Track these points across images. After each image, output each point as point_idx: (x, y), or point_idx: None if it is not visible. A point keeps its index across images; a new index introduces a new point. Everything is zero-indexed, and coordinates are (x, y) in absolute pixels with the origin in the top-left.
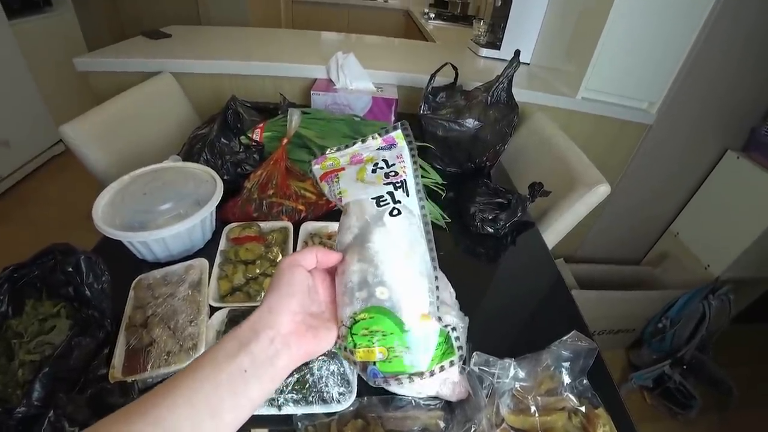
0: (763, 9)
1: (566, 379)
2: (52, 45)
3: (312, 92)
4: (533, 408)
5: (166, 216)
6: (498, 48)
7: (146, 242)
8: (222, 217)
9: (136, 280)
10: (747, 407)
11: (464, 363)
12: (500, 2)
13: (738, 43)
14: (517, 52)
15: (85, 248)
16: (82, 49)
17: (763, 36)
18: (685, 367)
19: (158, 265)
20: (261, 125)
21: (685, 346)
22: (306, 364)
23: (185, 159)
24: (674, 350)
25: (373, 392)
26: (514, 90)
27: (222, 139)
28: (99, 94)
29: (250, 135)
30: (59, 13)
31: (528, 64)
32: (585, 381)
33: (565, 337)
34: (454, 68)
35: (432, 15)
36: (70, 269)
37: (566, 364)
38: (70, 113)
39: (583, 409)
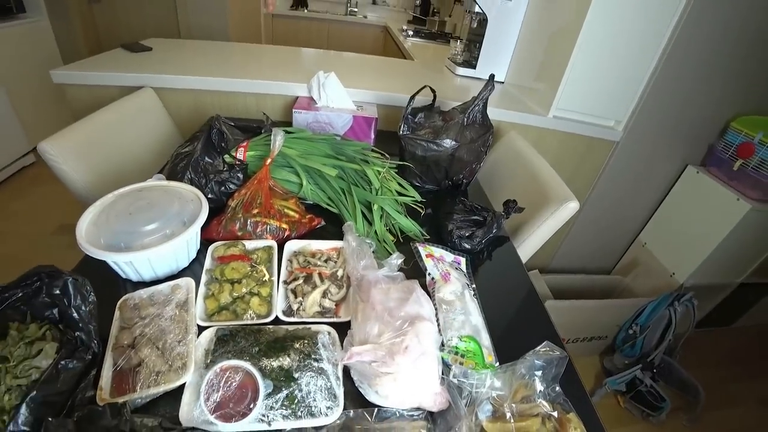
0: (718, 35)
1: (539, 387)
2: (24, 53)
3: (294, 110)
4: (509, 415)
5: (151, 236)
6: (474, 67)
7: (131, 262)
8: (206, 236)
9: (122, 300)
10: (714, 408)
11: (443, 374)
12: (476, 23)
13: (695, 66)
14: (492, 77)
15: (62, 269)
16: (56, 59)
17: (717, 59)
18: (655, 371)
19: (141, 284)
20: (244, 144)
21: (654, 351)
22: (294, 380)
23: (169, 177)
24: (644, 355)
25: (359, 405)
26: (489, 109)
27: (206, 158)
28: (76, 108)
29: (233, 154)
30: (33, 20)
31: (502, 83)
32: (557, 388)
33: (537, 348)
34: (433, 91)
35: (410, 32)
36: (57, 292)
37: (539, 373)
38: (42, 124)
39: (555, 414)
